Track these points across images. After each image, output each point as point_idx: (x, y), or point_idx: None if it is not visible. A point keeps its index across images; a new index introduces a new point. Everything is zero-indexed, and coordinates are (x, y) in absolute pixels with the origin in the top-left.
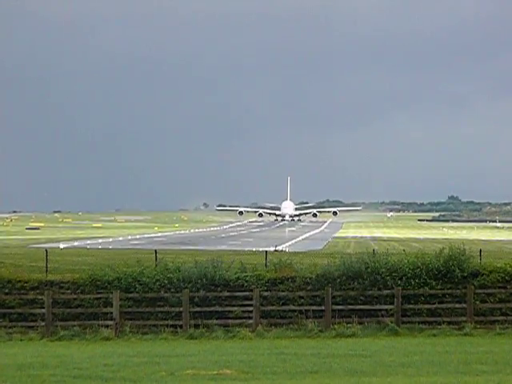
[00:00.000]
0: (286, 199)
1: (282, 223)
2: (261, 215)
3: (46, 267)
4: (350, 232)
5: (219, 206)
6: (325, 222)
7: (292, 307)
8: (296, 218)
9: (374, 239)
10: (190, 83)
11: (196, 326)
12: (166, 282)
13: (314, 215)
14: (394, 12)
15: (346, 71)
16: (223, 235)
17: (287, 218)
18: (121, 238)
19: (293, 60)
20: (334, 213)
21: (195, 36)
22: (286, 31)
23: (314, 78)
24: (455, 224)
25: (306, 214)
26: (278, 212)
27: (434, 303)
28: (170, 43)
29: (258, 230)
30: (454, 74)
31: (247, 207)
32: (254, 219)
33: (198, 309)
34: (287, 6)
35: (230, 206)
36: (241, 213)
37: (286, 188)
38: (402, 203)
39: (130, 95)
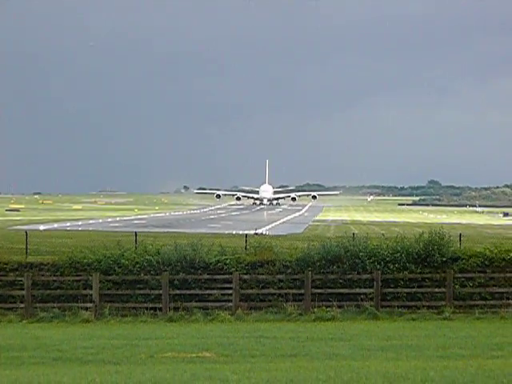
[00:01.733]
0: (265, 183)
1: (260, 207)
2: (239, 199)
3: (26, 249)
4: (330, 216)
5: (199, 189)
6: (304, 205)
7: (272, 290)
8: (274, 202)
9: (354, 223)
10: (171, 68)
11: (176, 309)
12: (146, 264)
13: (293, 199)
14: None
15: (327, 56)
16: (203, 218)
17: (265, 201)
18: (101, 221)
19: (272, 46)
20: (313, 197)
21: (175, 20)
22: (266, 16)
23: (294, 62)
24: (435, 208)
25: (284, 197)
26: (256, 196)
27: (414, 287)
28: (149, 27)
29: (237, 213)
30: (435, 60)
31: (228, 191)
32: (232, 203)
33: (178, 291)
34: None
35: (210, 190)
36: (218, 196)
37: (265, 171)
38: (383, 187)
39: (114, 79)
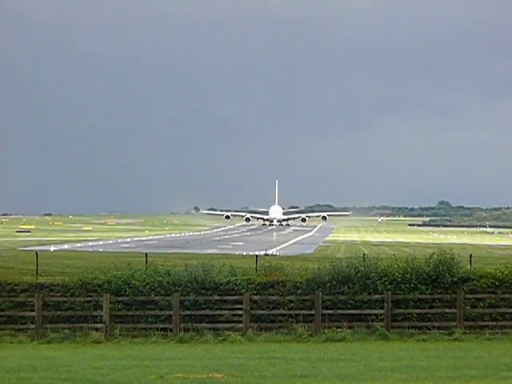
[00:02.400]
0: (275, 203)
1: (269, 228)
2: (248, 220)
3: (37, 270)
4: (341, 236)
5: (209, 209)
6: (315, 226)
7: (282, 311)
8: (284, 223)
9: (365, 243)
10: (178, 87)
11: (186, 330)
12: (156, 285)
13: (303, 220)
14: (384, 18)
15: (336, 76)
16: (215, 238)
17: (275, 222)
18: (111, 241)
19: (283, 65)
20: (324, 217)
21: (185, 40)
22: (276, 35)
23: (303, 82)
24: (445, 229)
25: (294, 218)
26: (265, 217)
27: (424, 308)
28: (159, 47)
29: (248, 233)
30: (444, 81)
31: (237, 211)
32: (242, 224)
33: (188, 312)
34: (277, 10)
35: (221, 211)
36: (227, 217)
37: (275, 192)
38: (393, 208)
39: (122, 99)
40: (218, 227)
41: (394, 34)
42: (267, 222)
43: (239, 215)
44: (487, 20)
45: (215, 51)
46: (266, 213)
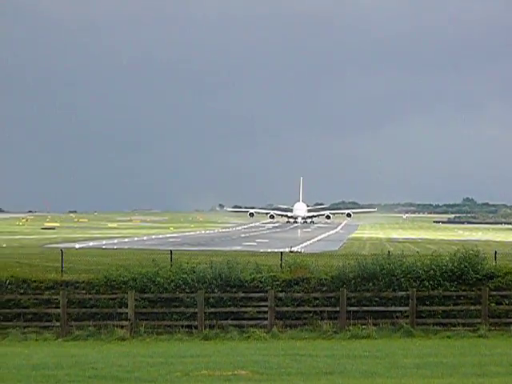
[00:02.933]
0: (299, 201)
1: (294, 225)
2: (272, 217)
3: (62, 267)
4: (366, 233)
5: (234, 207)
6: (340, 223)
7: (307, 308)
8: (309, 220)
9: (390, 240)
10: (202, 85)
11: (211, 327)
12: (181, 282)
13: (328, 217)
14: (407, 14)
15: (361, 73)
16: (240, 236)
17: (299, 219)
18: (136, 239)
19: (307, 61)
20: (348, 215)
21: (207, 38)
22: (298, 33)
23: (328, 79)
24: (470, 226)
25: (318, 215)
26: (290, 214)
27: (449, 305)
28: (180, 45)
29: (273, 230)
30: (468, 77)
31: (261, 209)
32: (267, 221)
33: (213, 309)
34: (297, 7)
35: (246, 208)
36: (251, 214)
37: (299, 189)
38: (418, 205)
39: (144, 97)
40: (243, 224)
41: (416, 29)
42: (291, 219)
43: (263, 212)
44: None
45: (239, 49)
46: (291, 210)
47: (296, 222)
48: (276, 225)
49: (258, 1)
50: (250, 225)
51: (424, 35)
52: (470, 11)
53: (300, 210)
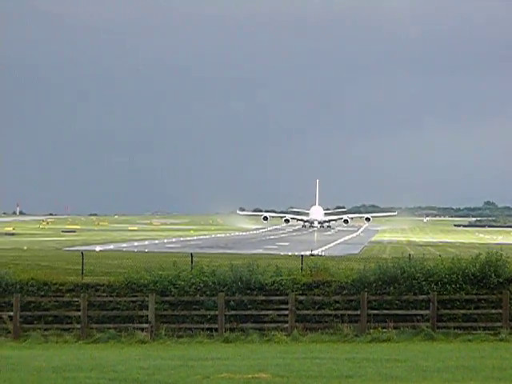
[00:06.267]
0: (315, 204)
1: (311, 230)
2: (287, 221)
3: (82, 270)
4: (386, 237)
5: (254, 210)
6: (360, 227)
7: (327, 311)
8: (325, 225)
9: (410, 244)
10: (219, 88)
11: (231, 330)
12: (202, 285)
13: (345, 221)
14: (424, 17)
15: (381, 76)
16: (259, 239)
17: (316, 224)
18: (157, 241)
19: (322, 65)
20: (367, 219)
21: (221, 40)
22: (313, 35)
23: (348, 82)
24: (491, 229)
25: (336, 220)
26: (306, 218)
27: (470, 308)
28: (195, 49)
29: (294, 233)
30: (487, 80)
31: (276, 212)
32: (283, 225)
33: (234, 312)
34: (313, 10)
35: (266, 211)
36: (265, 218)
37: (315, 192)
38: (439, 208)
39: (162, 98)
40: (262, 228)
41: (434, 33)
42: (307, 224)
43: (278, 216)
44: None
45: (254, 51)
46: (307, 214)
47: (312, 227)
48: (295, 228)
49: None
50: (271, 228)
51: (440, 38)
52: (484, 12)
53: (316, 213)
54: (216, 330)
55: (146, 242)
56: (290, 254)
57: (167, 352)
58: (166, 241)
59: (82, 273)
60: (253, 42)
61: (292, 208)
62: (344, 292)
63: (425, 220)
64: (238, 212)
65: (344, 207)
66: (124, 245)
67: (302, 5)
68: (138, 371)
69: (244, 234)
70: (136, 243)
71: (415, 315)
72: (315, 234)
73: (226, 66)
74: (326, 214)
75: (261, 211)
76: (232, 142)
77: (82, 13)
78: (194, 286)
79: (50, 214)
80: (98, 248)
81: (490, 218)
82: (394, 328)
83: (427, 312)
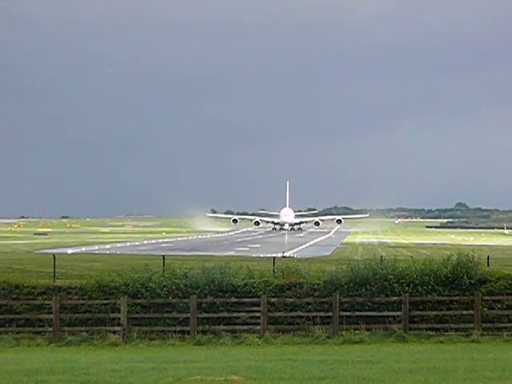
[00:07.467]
0: (286, 206)
1: (281, 232)
2: (257, 223)
3: (54, 273)
4: (358, 238)
5: (226, 212)
6: (332, 228)
7: (299, 313)
8: (296, 227)
9: (382, 245)
10: (192, 90)
11: (203, 332)
12: (174, 287)
13: (317, 223)
14: (399, 21)
15: (352, 79)
16: (230, 241)
17: (286, 226)
18: (128, 244)
19: (296, 68)
20: (338, 221)
21: (196, 43)
22: (288, 39)
23: (318, 86)
24: (463, 230)
25: (307, 222)
26: (276, 220)
27: (442, 310)
28: (170, 51)
29: (264, 235)
30: (459, 82)
31: (244, 215)
32: (251, 228)
33: (206, 315)
34: (289, 14)
35: (238, 214)
36: (235, 221)
37: (285, 194)
38: (410, 210)
39: (135, 101)
40: (236, 229)
41: (409, 36)
42: (277, 226)
43: (248, 219)
44: (505, 21)
45: (227, 54)
46: (277, 216)
47: (283, 229)
48: (268, 230)
49: (256, 8)
50: (243, 230)
51: (416, 41)
52: (458, 19)
53: (287, 215)
54: (188, 332)
55: (118, 245)
56: (261, 255)
57: (139, 355)
58: (137, 243)
59: (54, 276)
60: (227, 44)
61: (263, 210)
62: (316, 294)
63: (396, 221)
64: (206, 214)
65: (315, 209)
66: (96, 247)
67: (276, 10)
68: (110, 374)
69: (214, 236)
70: (108, 246)
71: (387, 317)
72: (286, 236)
73: (198, 68)
74: (297, 215)
75: (232, 213)
76: (205, 144)
77: (52, 16)
78: (165, 289)
79: (22, 217)
80: (69, 251)
81: (462, 220)
82: (366, 330)
83: (399, 313)
